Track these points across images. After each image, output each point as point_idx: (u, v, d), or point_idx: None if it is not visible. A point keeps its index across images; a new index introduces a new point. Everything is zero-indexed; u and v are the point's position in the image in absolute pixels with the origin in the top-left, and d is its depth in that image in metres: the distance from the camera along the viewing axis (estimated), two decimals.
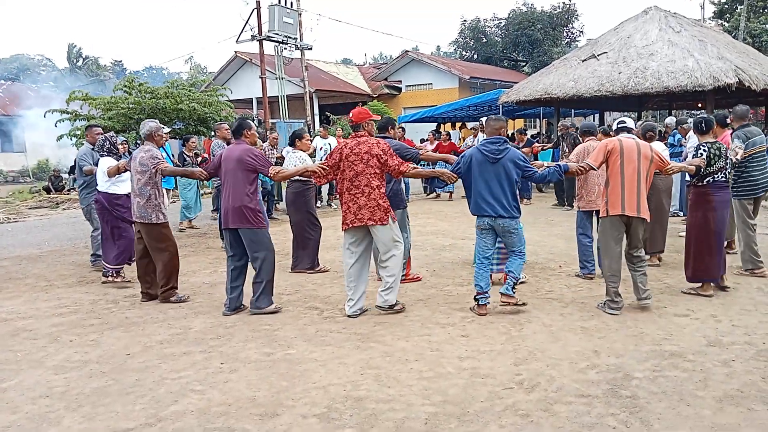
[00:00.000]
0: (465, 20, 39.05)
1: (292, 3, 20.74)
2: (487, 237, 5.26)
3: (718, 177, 5.57)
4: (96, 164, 6.90)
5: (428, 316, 5.17)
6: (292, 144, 7.18)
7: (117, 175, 6.44)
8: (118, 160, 6.58)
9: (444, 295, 5.79)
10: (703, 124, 5.75)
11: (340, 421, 3.32)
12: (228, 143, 8.39)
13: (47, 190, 18.64)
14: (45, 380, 4.02)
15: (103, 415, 3.49)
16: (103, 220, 6.68)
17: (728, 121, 6.90)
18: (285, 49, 20.68)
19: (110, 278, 6.64)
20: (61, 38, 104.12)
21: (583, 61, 15.21)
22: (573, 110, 20.64)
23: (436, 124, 22.49)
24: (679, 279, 6.07)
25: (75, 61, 58.65)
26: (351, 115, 5.37)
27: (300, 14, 21.06)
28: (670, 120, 11.14)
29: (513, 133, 14.44)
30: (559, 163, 5.52)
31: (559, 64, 16.24)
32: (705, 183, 5.58)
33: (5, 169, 26.82)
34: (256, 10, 19.67)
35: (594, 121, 25.99)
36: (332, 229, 9.22)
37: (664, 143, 9.04)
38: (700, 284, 5.60)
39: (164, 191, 8.09)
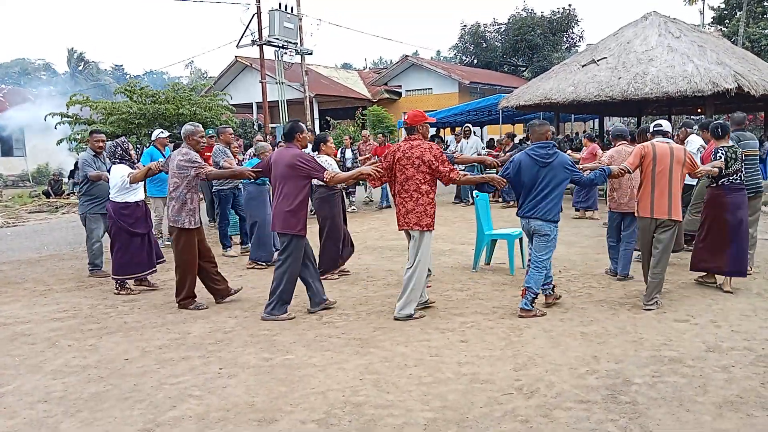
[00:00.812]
0: (465, 25, 39.21)
1: (292, 8, 20.81)
2: (533, 240, 5.35)
3: (733, 179, 5.83)
4: (108, 171, 6.74)
5: (427, 321, 5.16)
6: (316, 149, 7.06)
7: (134, 183, 6.32)
8: (132, 167, 6.43)
9: (443, 300, 5.78)
10: (719, 130, 6.09)
11: (338, 426, 3.31)
12: (229, 146, 8.38)
13: (47, 195, 18.64)
14: (43, 385, 4.01)
15: (101, 420, 3.48)
16: (111, 229, 6.49)
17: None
18: (285, 53, 20.74)
19: (118, 292, 6.43)
20: (62, 42, 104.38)
21: (582, 66, 15.22)
22: (573, 115, 20.66)
23: (435, 129, 22.51)
24: (678, 284, 6.07)
25: (76, 65, 58.74)
26: (406, 117, 5.37)
27: (300, 19, 21.13)
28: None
29: (494, 138, 14.51)
30: (603, 167, 5.63)
31: (558, 69, 16.26)
32: (720, 184, 5.85)
33: (5, 173, 26.82)
34: (256, 15, 19.74)
35: (593, 126, 26.04)
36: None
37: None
38: (705, 273, 6.02)
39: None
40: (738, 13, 33.35)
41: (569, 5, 39.35)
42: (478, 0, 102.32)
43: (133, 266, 6.41)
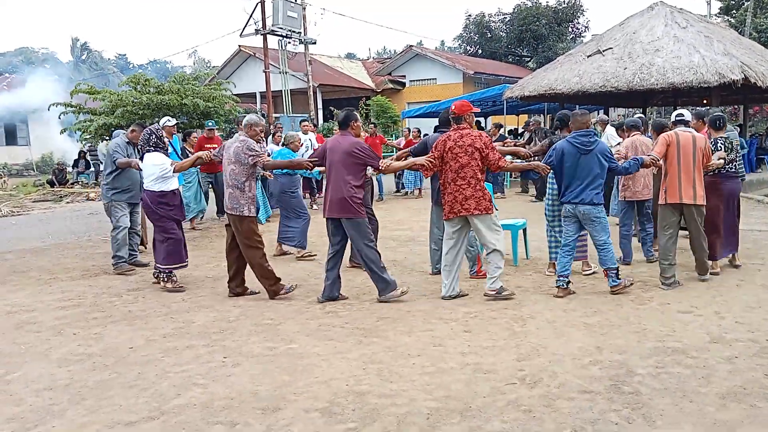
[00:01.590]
0: (470, 15, 38.90)
1: None
2: (570, 225, 5.61)
3: (728, 168, 6.09)
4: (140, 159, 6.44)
5: (431, 311, 5.17)
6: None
7: (167, 171, 6.13)
8: (166, 154, 6.27)
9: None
10: (719, 121, 6.32)
11: (342, 415, 3.32)
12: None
13: (51, 184, 18.69)
14: (49, 373, 4.04)
15: (106, 408, 3.50)
16: (151, 219, 6.26)
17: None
18: (289, 43, 20.69)
19: (161, 282, 6.17)
20: (66, 32, 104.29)
21: (588, 56, 15.13)
22: (578, 106, 20.54)
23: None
24: (683, 276, 6.05)
25: (79, 54, 58.67)
26: (453, 107, 5.50)
27: (304, 8, 21.05)
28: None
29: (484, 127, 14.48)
30: (636, 156, 5.93)
31: (564, 60, 16.17)
32: (716, 173, 6.07)
33: (9, 162, 26.88)
34: (260, 4, 19.66)
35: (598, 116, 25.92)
36: None
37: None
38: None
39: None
40: (745, 3, 33.05)
41: None
42: None
43: (179, 255, 6.15)
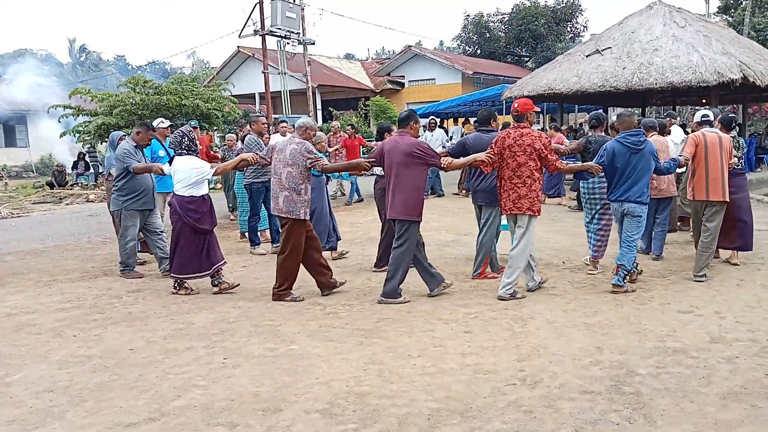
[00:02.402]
0: (468, 15, 38.92)
1: None
2: (623, 221, 5.74)
3: (734, 165, 6.26)
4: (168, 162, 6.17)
5: (431, 311, 5.17)
6: (380, 137, 6.94)
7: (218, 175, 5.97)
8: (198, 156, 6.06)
9: (447, 291, 5.78)
10: (733, 122, 6.52)
11: (342, 416, 3.32)
12: (261, 136, 7.92)
13: (50, 185, 18.67)
14: (49, 375, 4.03)
15: (106, 409, 3.49)
16: (174, 225, 5.99)
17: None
18: (288, 44, 20.68)
19: (176, 291, 6.00)
20: (65, 33, 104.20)
21: (587, 56, 15.14)
22: (577, 106, 20.57)
23: (438, 119, 22.45)
24: (683, 275, 6.06)
25: (77, 56, 58.65)
26: (516, 105, 5.56)
27: (303, 9, 21.04)
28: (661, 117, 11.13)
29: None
30: (673, 157, 6.20)
31: (562, 60, 16.18)
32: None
33: (9, 163, 26.86)
34: (258, 5, 19.65)
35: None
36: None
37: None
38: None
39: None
40: (743, 2, 33.08)
41: None
42: None
43: (194, 265, 5.91)
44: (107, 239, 9.47)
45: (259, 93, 25.90)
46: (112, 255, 8.14)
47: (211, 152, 10.24)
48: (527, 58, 38.73)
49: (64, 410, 3.51)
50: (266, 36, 20.13)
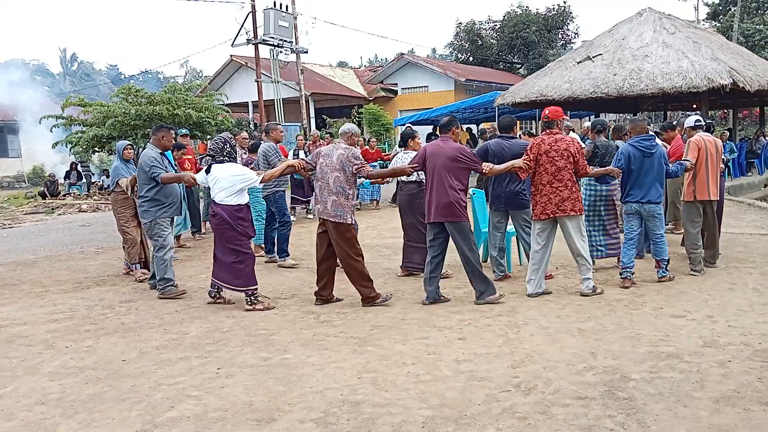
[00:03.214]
0: (460, 23, 39.12)
1: (287, 7, 20.78)
2: (634, 221, 6.11)
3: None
4: (207, 171, 5.82)
5: (425, 319, 5.17)
6: (404, 144, 7.03)
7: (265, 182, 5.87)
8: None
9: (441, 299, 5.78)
10: (711, 127, 7.03)
11: (337, 425, 3.31)
12: (278, 143, 7.76)
13: (42, 196, 18.59)
14: (41, 387, 4.00)
15: (99, 421, 3.47)
16: (221, 237, 5.69)
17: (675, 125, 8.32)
18: (281, 52, 20.71)
19: (253, 307, 5.64)
20: (57, 43, 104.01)
21: (578, 63, 15.24)
22: (569, 112, 20.66)
23: (432, 126, 22.52)
24: (678, 279, 6.08)
25: (69, 65, 58.54)
26: (547, 111, 5.77)
27: (295, 18, 21.09)
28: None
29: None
30: (680, 161, 6.44)
31: (554, 66, 16.28)
32: None
33: (0, 174, 26.75)
34: (251, 14, 19.69)
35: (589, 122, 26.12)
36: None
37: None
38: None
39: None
40: (732, 8, 33.39)
41: (564, 2, 39.35)
42: None
43: (253, 273, 5.71)
44: (100, 249, 9.44)
45: (253, 101, 25.92)
46: (105, 265, 8.12)
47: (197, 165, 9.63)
48: (519, 65, 38.93)
49: (56, 423, 3.48)
50: (259, 45, 20.15)
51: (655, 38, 14.54)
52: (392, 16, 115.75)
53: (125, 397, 3.79)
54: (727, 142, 15.13)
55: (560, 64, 16.11)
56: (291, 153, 11.87)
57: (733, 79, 12.64)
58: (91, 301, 6.26)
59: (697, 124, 6.69)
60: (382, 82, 31.35)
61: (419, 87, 30.51)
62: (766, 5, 34.20)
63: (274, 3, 20.19)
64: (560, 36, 39.05)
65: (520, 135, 8.38)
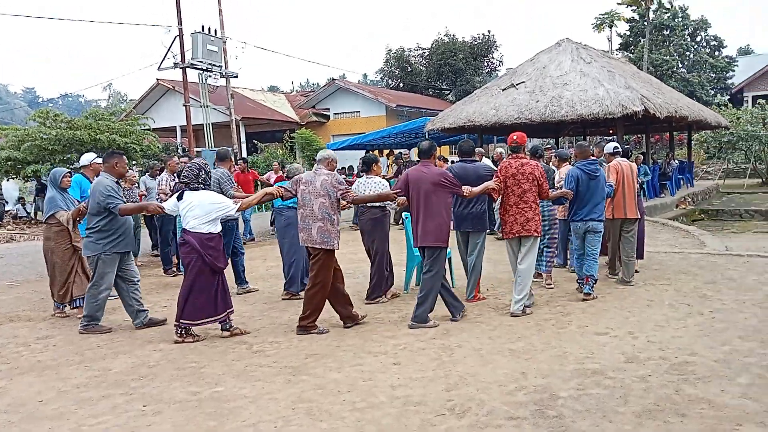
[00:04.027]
0: (390, 50, 39.88)
1: (216, 31, 20.52)
2: (580, 239, 6.61)
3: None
4: (177, 196, 5.55)
5: (360, 345, 5.15)
6: (367, 169, 6.88)
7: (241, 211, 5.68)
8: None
9: (376, 323, 5.79)
10: (626, 153, 7.74)
11: None
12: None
13: None
14: None
15: None
16: (188, 265, 5.43)
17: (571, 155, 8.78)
18: (210, 76, 20.37)
19: (182, 339, 5.45)
20: None
21: (503, 90, 15.84)
22: (495, 137, 21.38)
23: (364, 150, 22.70)
24: (600, 298, 6.35)
25: None
26: (515, 137, 6.03)
27: (224, 42, 20.85)
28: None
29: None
30: (609, 182, 6.92)
31: (480, 93, 16.84)
32: None
33: None
34: (178, 38, 19.32)
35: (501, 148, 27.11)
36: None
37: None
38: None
39: None
40: (641, 40, 35.73)
41: (488, 31, 41.00)
42: (402, 25, 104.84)
43: (209, 310, 5.44)
44: (14, 282, 8.87)
45: (181, 126, 25.29)
46: (19, 299, 7.64)
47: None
48: (448, 91, 40.00)
49: None
50: (187, 69, 19.76)
51: (573, 67, 15.35)
52: (323, 41, 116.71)
53: None
54: (642, 165, 16.11)
55: (486, 91, 16.70)
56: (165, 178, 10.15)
57: (644, 107, 13.48)
58: (4, 338, 5.85)
59: (615, 150, 7.30)
60: (314, 107, 31.40)
61: (351, 112, 30.75)
62: (671, 38, 36.84)
63: (202, 27, 19.91)
64: (486, 63, 40.48)
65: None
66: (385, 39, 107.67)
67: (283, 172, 12.98)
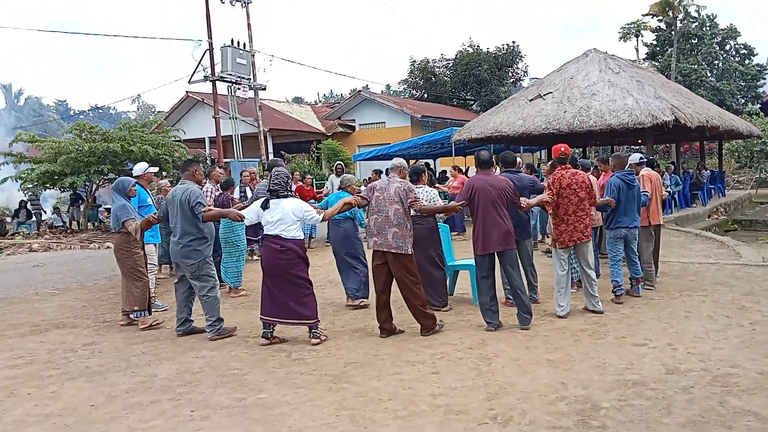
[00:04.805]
0: (414, 61, 40.11)
1: (245, 44, 20.91)
2: (621, 245, 6.81)
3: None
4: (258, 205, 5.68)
5: (397, 354, 5.21)
6: (417, 179, 6.84)
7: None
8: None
9: (412, 332, 5.83)
10: (652, 163, 8.15)
11: None
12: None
13: None
14: None
15: None
16: (286, 272, 5.53)
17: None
18: (239, 89, 20.74)
19: (319, 338, 5.62)
20: (3, 78, 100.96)
21: (530, 100, 15.83)
22: (522, 147, 21.33)
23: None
24: (636, 308, 6.32)
25: (15, 100, 56.97)
26: (563, 149, 6.35)
27: (253, 55, 21.23)
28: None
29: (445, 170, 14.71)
30: (643, 191, 7.14)
31: (507, 104, 16.85)
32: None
33: None
34: (209, 51, 19.73)
35: (541, 157, 26.96)
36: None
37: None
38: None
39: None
40: (668, 49, 35.39)
41: (513, 41, 40.97)
42: (427, 36, 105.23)
43: (314, 309, 5.69)
44: (56, 290, 9.12)
45: (210, 137, 25.74)
46: (63, 307, 7.87)
47: None
48: (472, 102, 40.04)
49: None
50: (217, 81, 20.15)
51: (601, 77, 15.29)
52: (347, 53, 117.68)
53: None
54: (672, 175, 15.93)
55: (513, 102, 16.70)
56: (237, 190, 10.90)
57: (675, 116, 13.36)
58: (51, 344, 6.04)
59: (641, 160, 7.48)
60: (339, 117, 31.71)
61: (377, 123, 30.98)
62: (699, 47, 36.42)
63: (232, 41, 20.32)
64: (510, 74, 40.45)
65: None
66: (409, 50, 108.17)
67: (303, 182, 13.26)
